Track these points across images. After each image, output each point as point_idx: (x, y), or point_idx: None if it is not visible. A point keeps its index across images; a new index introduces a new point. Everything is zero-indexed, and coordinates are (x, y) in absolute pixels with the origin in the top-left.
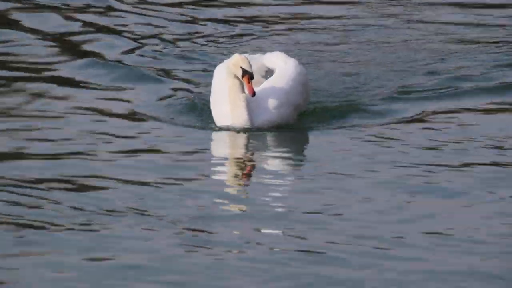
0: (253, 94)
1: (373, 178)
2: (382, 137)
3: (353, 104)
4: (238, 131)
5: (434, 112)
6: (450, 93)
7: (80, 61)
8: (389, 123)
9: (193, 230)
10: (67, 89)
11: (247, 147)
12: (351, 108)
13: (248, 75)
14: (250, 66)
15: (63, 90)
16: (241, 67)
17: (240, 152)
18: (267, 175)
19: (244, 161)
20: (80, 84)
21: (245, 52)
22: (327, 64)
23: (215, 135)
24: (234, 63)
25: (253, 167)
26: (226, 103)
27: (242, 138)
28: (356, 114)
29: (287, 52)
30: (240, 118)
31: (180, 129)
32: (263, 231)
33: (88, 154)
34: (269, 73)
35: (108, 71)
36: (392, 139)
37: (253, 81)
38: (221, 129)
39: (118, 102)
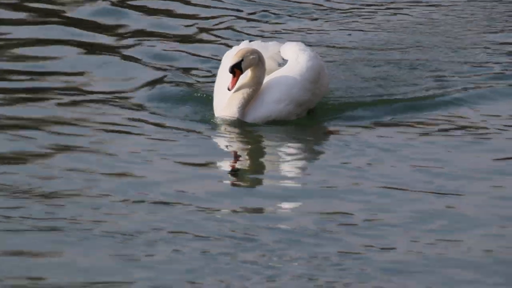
0: (229, 88)
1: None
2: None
3: (353, 100)
4: (230, 124)
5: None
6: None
7: None
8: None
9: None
10: None
11: (237, 141)
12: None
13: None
14: (242, 57)
15: None
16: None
17: (229, 146)
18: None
19: (230, 156)
20: None
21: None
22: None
23: (209, 127)
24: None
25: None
26: (224, 93)
27: (232, 132)
28: (358, 109)
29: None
30: (230, 110)
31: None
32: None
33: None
34: (285, 63)
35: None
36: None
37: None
38: (215, 121)
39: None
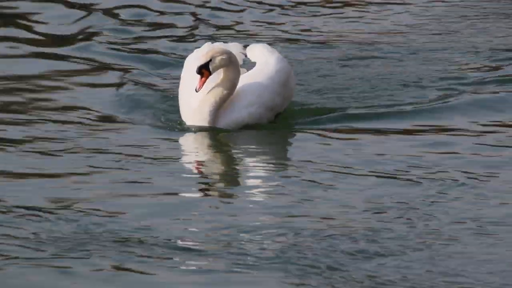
0: (196, 90)
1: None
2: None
3: (332, 107)
4: (200, 129)
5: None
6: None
7: None
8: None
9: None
10: None
11: (208, 148)
12: (328, 110)
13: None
14: (211, 57)
15: None
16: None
17: (201, 154)
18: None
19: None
20: None
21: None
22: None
23: (178, 134)
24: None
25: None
26: (193, 97)
27: (203, 138)
28: (335, 117)
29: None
30: (201, 115)
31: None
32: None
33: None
34: (253, 66)
35: None
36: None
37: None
38: (184, 127)
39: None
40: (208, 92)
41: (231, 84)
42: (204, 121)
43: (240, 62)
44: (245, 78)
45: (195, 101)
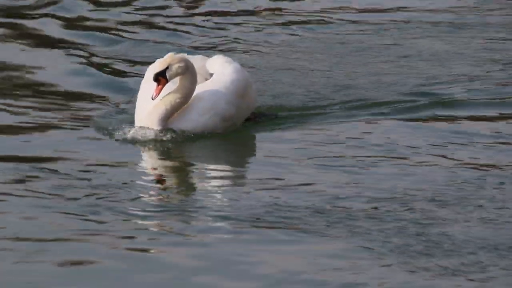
0: (153, 97)
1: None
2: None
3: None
4: (151, 138)
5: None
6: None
7: None
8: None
9: None
10: None
11: (155, 154)
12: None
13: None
14: (168, 65)
15: None
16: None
17: (147, 160)
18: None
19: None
20: None
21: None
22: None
23: (126, 138)
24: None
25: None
26: (149, 104)
27: (151, 146)
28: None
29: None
30: (151, 121)
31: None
32: None
33: None
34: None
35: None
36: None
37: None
38: (133, 132)
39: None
40: (161, 99)
41: (186, 93)
42: (153, 128)
43: (207, 76)
44: (201, 88)
45: (149, 107)
